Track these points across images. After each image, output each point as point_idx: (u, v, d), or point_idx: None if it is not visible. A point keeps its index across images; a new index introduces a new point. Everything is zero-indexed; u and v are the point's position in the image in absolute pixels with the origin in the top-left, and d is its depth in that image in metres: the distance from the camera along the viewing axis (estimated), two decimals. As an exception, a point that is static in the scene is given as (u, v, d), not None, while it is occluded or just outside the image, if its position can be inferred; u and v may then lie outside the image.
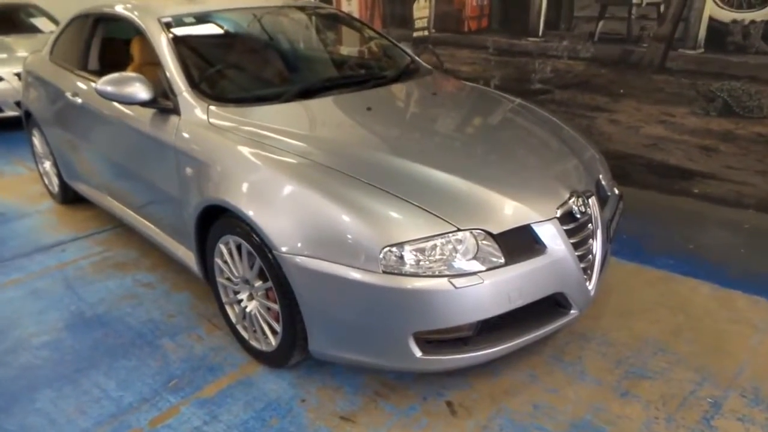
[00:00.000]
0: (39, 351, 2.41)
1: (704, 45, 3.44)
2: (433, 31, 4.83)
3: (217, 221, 2.20)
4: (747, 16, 3.25)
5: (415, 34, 4.97)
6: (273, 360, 2.18)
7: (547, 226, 1.92)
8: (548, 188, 2.04)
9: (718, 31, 3.37)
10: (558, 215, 1.96)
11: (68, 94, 3.14)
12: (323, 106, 2.44)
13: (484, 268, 1.79)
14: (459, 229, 1.79)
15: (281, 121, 2.30)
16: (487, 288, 1.78)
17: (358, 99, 2.52)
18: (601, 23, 3.85)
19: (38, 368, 2.30)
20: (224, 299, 2.36)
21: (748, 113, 3.38)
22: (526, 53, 4.28)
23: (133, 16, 2.76)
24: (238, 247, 2.13)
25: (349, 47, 3.11)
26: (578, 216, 2.04)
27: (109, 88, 2.38)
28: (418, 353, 1.83)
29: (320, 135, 2.20)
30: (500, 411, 1.99)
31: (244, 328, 2.30)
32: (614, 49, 3.83)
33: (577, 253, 1.98)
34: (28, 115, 3.90)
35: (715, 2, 3.34)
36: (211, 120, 2.28)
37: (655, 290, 2.71)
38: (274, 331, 2.14)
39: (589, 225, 2.10)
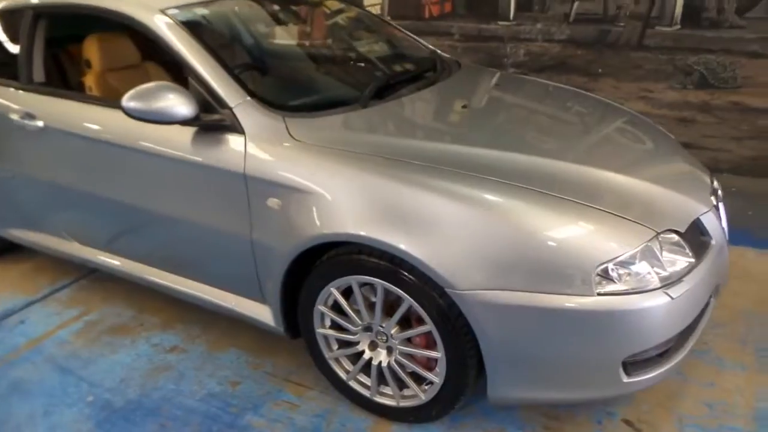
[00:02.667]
0: (81, 469, 1.78)
1: (680, 21, 3.62)
2: (388, 18, 4.53)
3: (324, 261, 1.76)
4: (721, -8, 3.46)
5: (366, 23, 4.62)
6: (420, 414, 1.82)
7: (709, 215, 1.81)
8: (696, 177, 1.94)
9: (693, 7, 3.55)
10: (715, 203, 1.87)
11: (14, 117, 2.36)
12: (414, 106, 2.08)
13: (684, 271, 1.63)
14: (657, 233, 1.60)
15: (383, 128, 1.91)
16: (692, 292, 1.62)
17: (442, 96, 2.19)
18: (576, 4, 3.88)
19: (97, 494, 1.69)
20: (327, 354, 1.92)
21: (723, 84, 3.63)
22: (496, 38, 4.18)
23: (124, 9, 2.11)
24: (364, 289, 1.74)
25: (369, 41, 2.73)
26: (719, 201, 1.97)
27: (138, 105, 1.79)
28: (625, 377, 1.62)
29: (441, 140, 1.86)
30: (681, 419, 1.86)
31: (361, 384, 1.90)
32: (590, 30, 3.88)
33: (720, 238, 1.91)
34: None
35: (691, -20, 3.52)
36: (295, 135, 1.81)
37: (710, 262, 2.77)
38: (419, 382, 1.79)
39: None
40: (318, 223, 1.70)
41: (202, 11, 2.20)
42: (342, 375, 1.93)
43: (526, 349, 1.58)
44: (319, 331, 1.90)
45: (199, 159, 1.91)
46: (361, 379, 1.90)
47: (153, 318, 2.49)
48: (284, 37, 2.44)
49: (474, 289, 1.53)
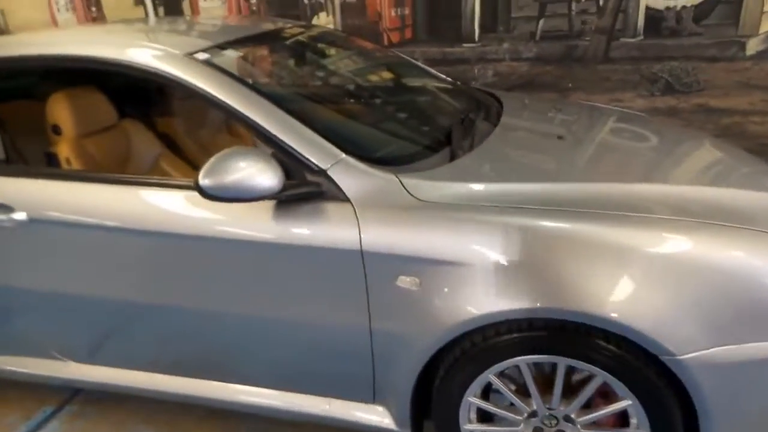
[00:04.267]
0: None
1: (643, 32, 3.74)
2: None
3: (479, 344, 1.44)
4: (679, 2, 3.63)
5: (318, 55, 4.29)
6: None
7: None
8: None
9: (654, 18, 3.69)
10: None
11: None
12: (509, 145, 1.82)
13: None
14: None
15: (502, 174, 1.63)
16: None
17: (524, 130, 1.97)
18: (541, 22, 3.88)
19: None
20: (472, 452, 1.58)
21: (687, 89, 3.80)
22: (462, 60, 4.07)
23: (136, 59, 1.64)
24: (538, 371, 1.46)
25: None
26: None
27: (215, 181, 1.37)
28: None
29: (574, 179, 1.62)
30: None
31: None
32: (557, 46, 3.90)
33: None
34: None
35: (650, -8, 3.66)
36: (417, 194, 1.48)
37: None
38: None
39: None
40: (482, 299, 1.38)
41: (235, 53, 1.79)
42: (492, 474, 1.60)
43: (747, 404, 1.38)
44: (466, 427, 1.56)
45: (286, 239, 1.50)
46: (522, 475, 1.59)
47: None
48: (326, 79, 2.08)
49: (694, 352, 1.30)
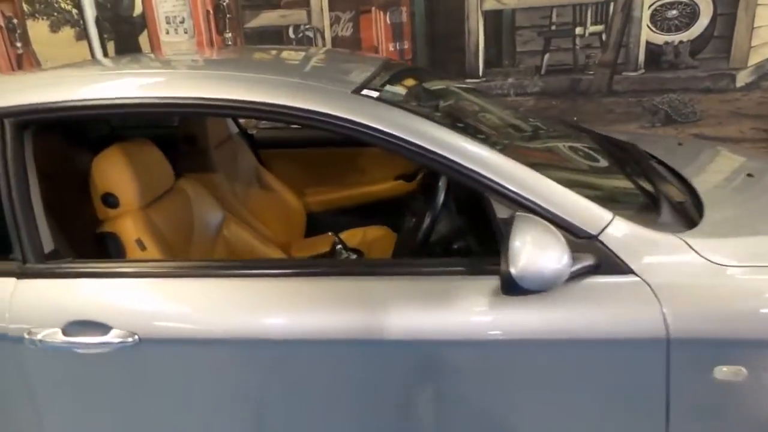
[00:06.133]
0: None
1: (644, 66, 3.80)
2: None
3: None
4: (675, 37, 3.73)
5: (307, 94, 3.86)
6: None
7: None
8: None
9: (654, 52, 3.76)
10: None
11: (36, 338, 1.13)
12: (722, 193, 1.57)
13: None
14: None
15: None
16: None
17: (715, 175, 1.75)
18: (546, 56, 3.80)
19: None
20: None
21: (684, 119, 3.90)
22: (467, 96, 3.86)
23: (292, 102, 1.18)
24: None
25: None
26: None
27: (527, 271, 0.97)
28: None
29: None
30: None
31: None
32: (562, 80, 3.84)
33: None
34: None
35: (650, 28, 3.72)
36: (714, 259, 1.16)
37: None
38: None
39: None
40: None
41: (400, 89, 1.38)
42: None
43: None
44: None
45: (549, 332, 1.11)
46: None
47: None
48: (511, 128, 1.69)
49: None
